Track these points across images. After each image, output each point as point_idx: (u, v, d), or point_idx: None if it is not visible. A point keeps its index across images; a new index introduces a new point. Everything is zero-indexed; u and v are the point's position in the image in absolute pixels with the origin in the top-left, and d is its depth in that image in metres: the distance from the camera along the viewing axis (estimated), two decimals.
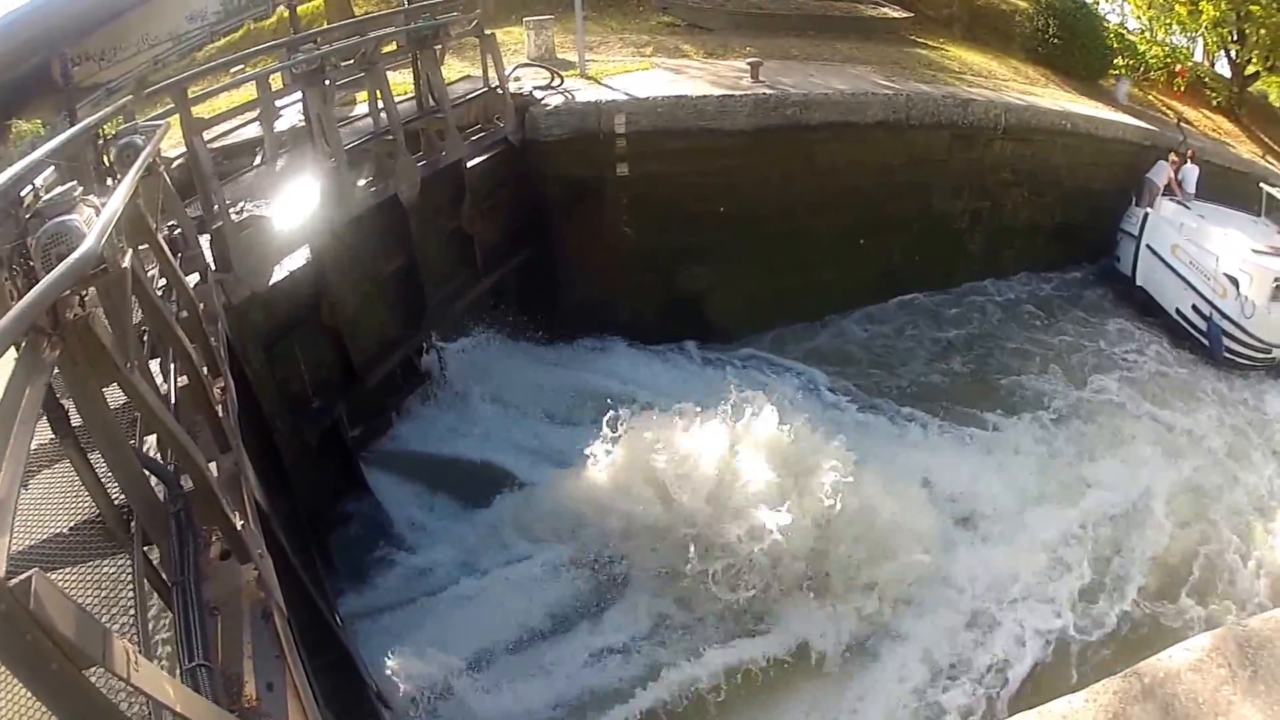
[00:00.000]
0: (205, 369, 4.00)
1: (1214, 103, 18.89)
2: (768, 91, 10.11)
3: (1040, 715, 2.61)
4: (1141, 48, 18.02)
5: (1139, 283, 12.88)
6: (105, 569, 2.67)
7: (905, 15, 15.04)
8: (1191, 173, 13.81)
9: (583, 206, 9.51)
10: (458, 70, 11.13)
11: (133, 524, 2.73)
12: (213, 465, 3.41)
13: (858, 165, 10.45)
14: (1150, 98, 17.00)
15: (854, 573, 7.37)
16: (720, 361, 9.91)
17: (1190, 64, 19.40)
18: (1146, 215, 12.69)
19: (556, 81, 10.11)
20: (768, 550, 6.99)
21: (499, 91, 9.57)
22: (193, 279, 5.50)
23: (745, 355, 10.17)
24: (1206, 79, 19.80)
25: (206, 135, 6.91)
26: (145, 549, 2.69)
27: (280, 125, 8.37)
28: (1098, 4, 17.94)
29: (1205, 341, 12.21)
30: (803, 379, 9.87)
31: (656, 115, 9.57)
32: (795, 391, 9.26)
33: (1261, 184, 14.86)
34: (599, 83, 10.29)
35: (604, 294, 9.73)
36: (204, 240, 6.14)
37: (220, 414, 3.88)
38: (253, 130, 8.74)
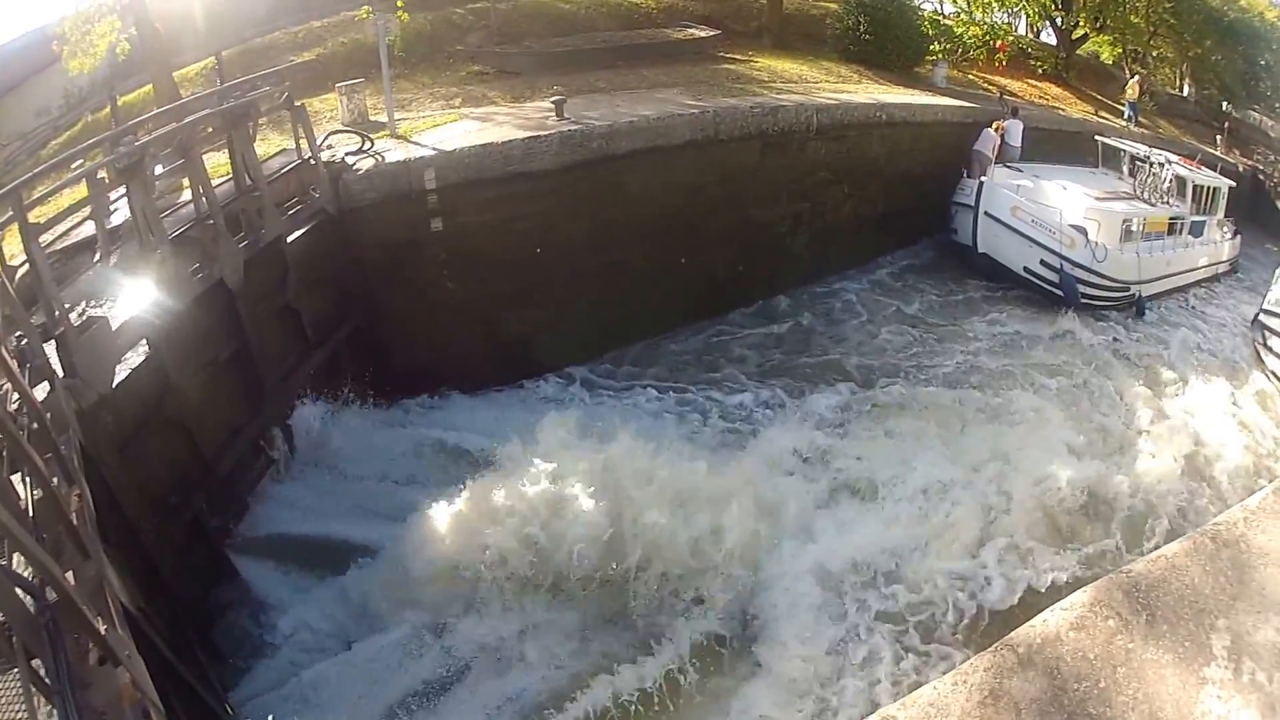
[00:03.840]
0: (58, 479, 4.08)
1: (1040, 71, 20.05)
2: (573, 128, 10.31)
3: (904, 707, 2.48)
4: (958, 30, 19.02)
5: (981, 250, 13.29)
6: (3, 683, 2.85)
7: (712, 33, 15.39)
8: (1016, 127, 14.59)
9: (402, 267, 9.54)
10: (277, 144, 11.07)
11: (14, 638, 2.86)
12: (75, 573, 3.52)
13: (670, 188, 10.73)
14: (971, 77, 17.90)
15: (725, 579, 7.57)
16: (556, 398, 10.07)
17: (1012, 38, 20.58)
18: (981, 184, 13.10)
19: (367, 145, 10.15)
20: (633, 573, 7.28)
21: (312, 162, 9.64)
22: (44, 388, 5.51)
23: (580, 389, 10.30)
24: (1030, 50, 21.01)
25: (51, 235, 6.79)
26: (34, 661, 2.81)
27: (118, 218, 8.30)
28: None
29: (1060, 292, 12.71)
30: (638, 404, 10.07)
31: (465, 166, 9.66)
32: (631, 416, 9.50)
33: (1096, 136, 15.91)
34: (409, 140, 10.38)
35: (433, 350, 9.76)
36: (50, 347, 6.06)
37: (77, 522, 3.95)
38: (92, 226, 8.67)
